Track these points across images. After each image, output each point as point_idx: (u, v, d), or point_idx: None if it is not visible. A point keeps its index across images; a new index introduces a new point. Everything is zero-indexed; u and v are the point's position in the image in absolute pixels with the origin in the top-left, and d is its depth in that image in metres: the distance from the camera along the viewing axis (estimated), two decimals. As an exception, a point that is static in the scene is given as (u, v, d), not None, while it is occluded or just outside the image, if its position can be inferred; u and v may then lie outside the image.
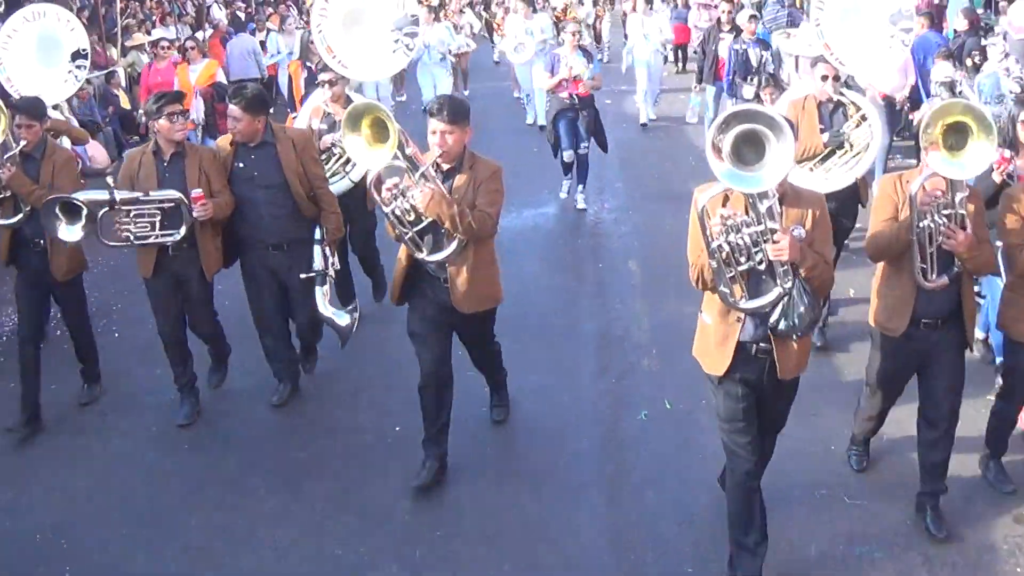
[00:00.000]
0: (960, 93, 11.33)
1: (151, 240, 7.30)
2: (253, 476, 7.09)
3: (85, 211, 7.13)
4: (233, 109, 7.36)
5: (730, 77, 13.99)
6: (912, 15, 9.32)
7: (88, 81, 17.41)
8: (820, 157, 8.29)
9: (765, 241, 5.00)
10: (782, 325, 5.15)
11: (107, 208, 7.20)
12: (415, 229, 6.37)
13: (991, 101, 11.02)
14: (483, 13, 29.65)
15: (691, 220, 5.23)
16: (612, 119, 16.73)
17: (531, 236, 11.97)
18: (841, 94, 8.51)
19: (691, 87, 17.76)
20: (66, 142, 9.22)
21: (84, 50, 10.03)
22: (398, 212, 6.30)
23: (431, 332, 6.72)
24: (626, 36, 22.21)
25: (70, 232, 7.19)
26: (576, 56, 12.38)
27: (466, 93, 20.29)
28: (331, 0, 9.35)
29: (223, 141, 7.76)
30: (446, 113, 6.20)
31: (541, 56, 16.37)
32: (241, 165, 7.50)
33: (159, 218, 7.25)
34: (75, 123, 15.93)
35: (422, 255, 6.46)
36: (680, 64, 23.95)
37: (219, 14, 24.17)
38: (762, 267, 5.09)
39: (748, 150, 4.74)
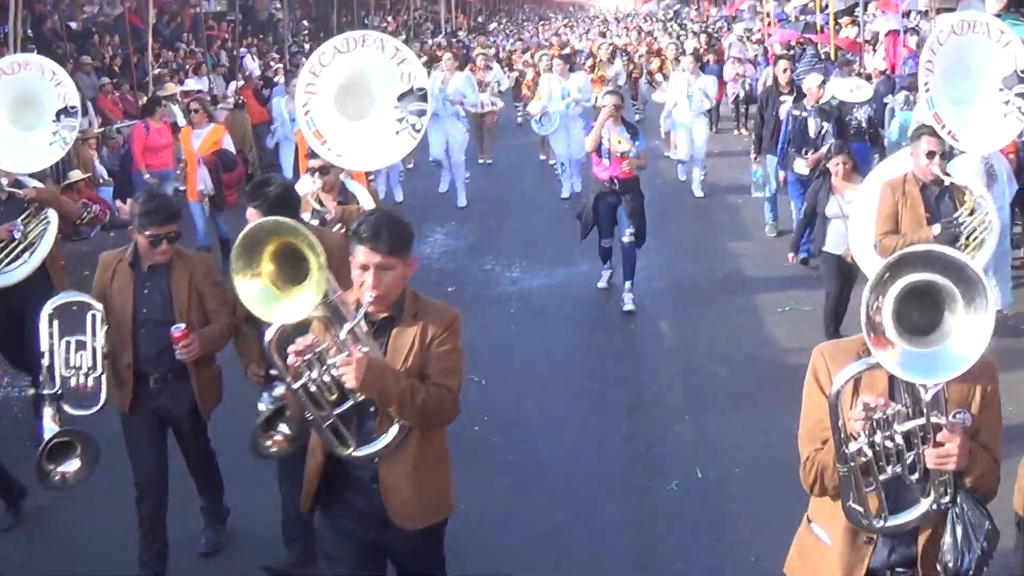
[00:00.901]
0: None
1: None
2: None
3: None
4: (251, 212, 5.66)
5: (783, 147, 12.54)
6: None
7: (118, 131, 17.55)
8: None
9: (925, 441, 3.54)
10: (955, 562, 3.60)
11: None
12: (338, 412, 4.37)
13: None
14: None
15: (807, 396, 3.88)
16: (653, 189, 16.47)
17: (561, 296, 11.77)
18: (947, 174, 7.51)
19: (730, 150, 17.53)
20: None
21: (72, 107, 8.76)
22: (314, 389, 4.29)
23: (355, 555, 4.70)
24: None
25: None
26: (619, 131, 10.92)
27: (489, 162, 19.83)
28: (321, 74, 7.56)
29: None
30: (383, 240, 4.28)
31: (576, 120, 15.95)
32: None
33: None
34: (104, 173, 16.16)
35: (347, 451, 4.42)
36: (714, 125, 21.55)
37: (252, 64, 24.28)
38: (914, 476, 3.61)
39: (915, 308, 3.37)
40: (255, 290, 4.13)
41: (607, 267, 11.75)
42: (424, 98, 7.63)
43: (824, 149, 10.67)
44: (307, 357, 4.19)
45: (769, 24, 32.26)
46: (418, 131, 7.63)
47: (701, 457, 7.73)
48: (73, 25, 21.25)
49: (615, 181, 10.88)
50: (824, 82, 12.83)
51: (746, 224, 14.75)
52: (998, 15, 17.63)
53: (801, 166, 11.70)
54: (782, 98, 13.20)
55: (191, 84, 20.37)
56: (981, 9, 18.20)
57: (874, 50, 20.94)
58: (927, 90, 7.84)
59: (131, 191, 14.23)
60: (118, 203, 11.72)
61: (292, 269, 4.11)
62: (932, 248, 3.36)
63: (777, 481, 6.58)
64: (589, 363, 9.82)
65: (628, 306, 10.97)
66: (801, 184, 11.74)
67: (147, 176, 14.49)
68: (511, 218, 15.68)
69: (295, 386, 4.26)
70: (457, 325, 4.50)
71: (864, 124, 13.31)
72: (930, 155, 7.38)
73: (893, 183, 7.57)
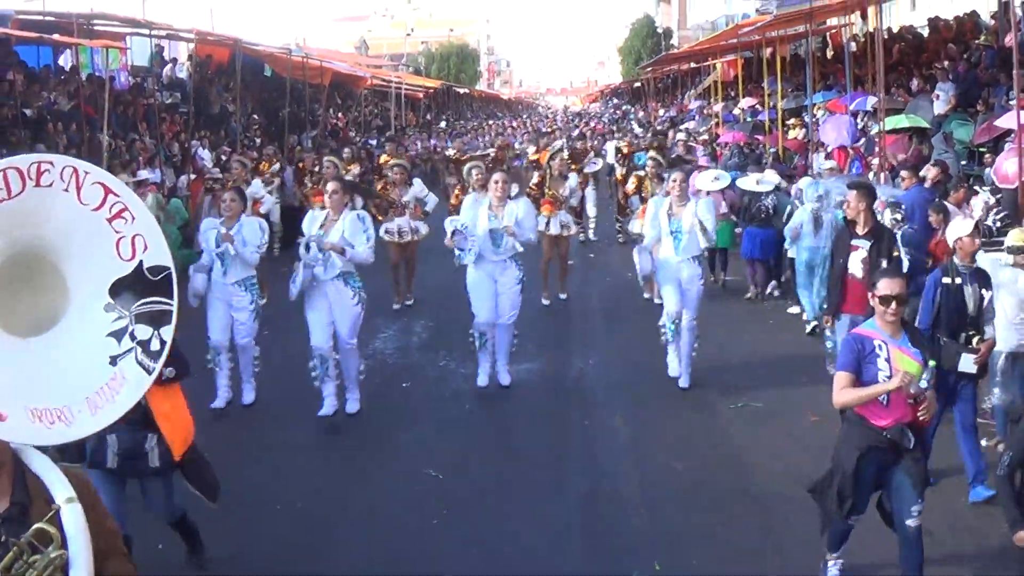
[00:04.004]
0: None
1: None
2: None
3: None
4: None
5: (927, 329, 8.41)
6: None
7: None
8: None
9: None
10: None
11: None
12: None
13: None
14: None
15: None
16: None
17: (515, 390, 11.69)
18: None
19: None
20: None
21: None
22: None
23: None
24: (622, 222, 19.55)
25: None
26: (907, 348, 6.58)
27: (409, 303, 16.12)
28: None
29: None
30: None
31: (508, 267, 11.34)
32: None
33: None
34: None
35: None
36: (720, 276, 17.07)
37: (205, 155, 24.37)
38: None
39: None
40: None
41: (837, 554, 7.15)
42: (168, 291, 4.24)
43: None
44: None
45: (717, 125, 32.91)
46: (154, 365, 4.19)
47: (659, 550, 7.70)
48: (28, 112, 21.21)
49: (903, 430, 6.52)
50: (975, 228, 9.14)
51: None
52: (945, 116, 18.29)
53: (969, 363, 8.38)
54: (854, 241, 10.04)
55: (143, 174, 20.39)
56: (929, 112, 18.82)
57: (824, 150, 21.37)
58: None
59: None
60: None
61: None
62: None
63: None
64: (547, 455, 9.79)
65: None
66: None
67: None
68: (464, 313, 15.61)
69: None
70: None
71: (771, 211, 15.35)
72: None
73: None
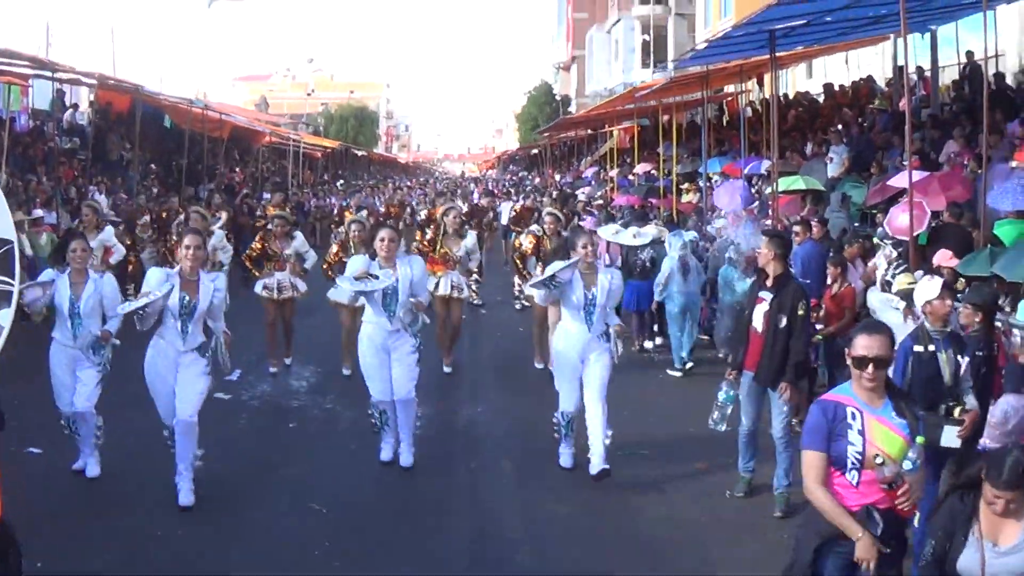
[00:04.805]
0: None
1: None
2: None
3: None
4: None
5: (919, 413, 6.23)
6: None
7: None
8: None
9: None
10: None
11: None
12: None
13: None
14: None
15: None
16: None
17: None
18: None
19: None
20: None
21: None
22: None
23: None
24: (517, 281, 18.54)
25: None
26: (890, 418, 5.48)
27: (288, 362, 14.66)
28: None
29: None
30: None
31: (403, 338, 10.13)
32: None
33: None
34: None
35: None
36: (642, 338, 16.37)
37: (101, 199, 23.97)
38: None
39: None
40: None
41: None
42: (8, 268, 3.90)
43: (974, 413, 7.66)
44: None
45: (612, 189, 33.08)
46: None
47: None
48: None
49: (872, 513, 5.36)
50: (944, 288, 8.13)
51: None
52: (839, 178, 18.56)
53: (952, 437, 7.49)
54: (761, 294, 9.36)
55: (39, 213, 19.96)
56: (823, 174, 19.08)
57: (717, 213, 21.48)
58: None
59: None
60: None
61: None
62: None
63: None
64: (430, 499, 9.53)
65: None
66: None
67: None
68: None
69: None
70: None
71: (648, 264, 15.53)
72: None
73: None
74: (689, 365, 14.57)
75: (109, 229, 17.33)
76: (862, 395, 5.43)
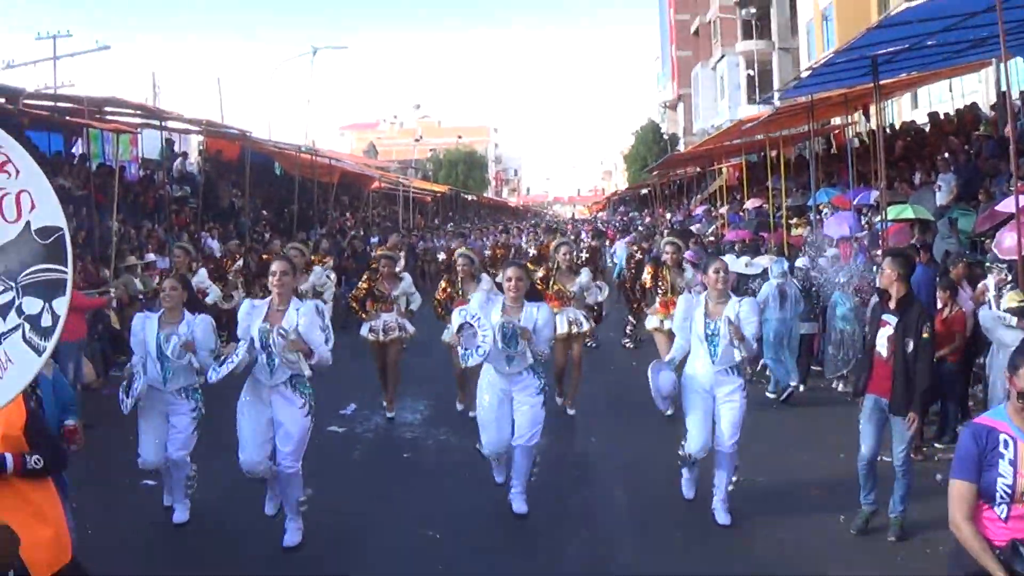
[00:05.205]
0: None
1: None
2: None
3: None
4: None
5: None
6: None
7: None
8: None
9: None
10: None
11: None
12: None
13: None
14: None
15: None
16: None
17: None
18: None
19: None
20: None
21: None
22: None
23: None
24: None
25: None
26: None
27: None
28: None
29: None
30: None
31: (528, 381, 9.56)
32: None
33: None
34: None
35: None
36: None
37: (214, 245, 24.57)
38: None
39: None
40: None
41: None
42: (62, 256, 3.64)
43: None
44: None
45: (723, 225, 33.08)
46: (44, 344, 3.66)
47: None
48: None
49: (1019, 549, 4.82)
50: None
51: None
52: (947, 206, 18.42)
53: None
54: (884, 317, 9.00)
55: (151, 257, 20.66)
56: (932, 203, 18.95)
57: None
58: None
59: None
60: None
61: None
62: None
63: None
64: (544, 521, 9.63)
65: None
66: None
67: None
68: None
69: None
70: None
71: (756, 293, 15.33)
72: None
73: None
74: (787, 391, 14.37)
75: (202, 271, 17.64)
76: (1018, 421, 4.98)
